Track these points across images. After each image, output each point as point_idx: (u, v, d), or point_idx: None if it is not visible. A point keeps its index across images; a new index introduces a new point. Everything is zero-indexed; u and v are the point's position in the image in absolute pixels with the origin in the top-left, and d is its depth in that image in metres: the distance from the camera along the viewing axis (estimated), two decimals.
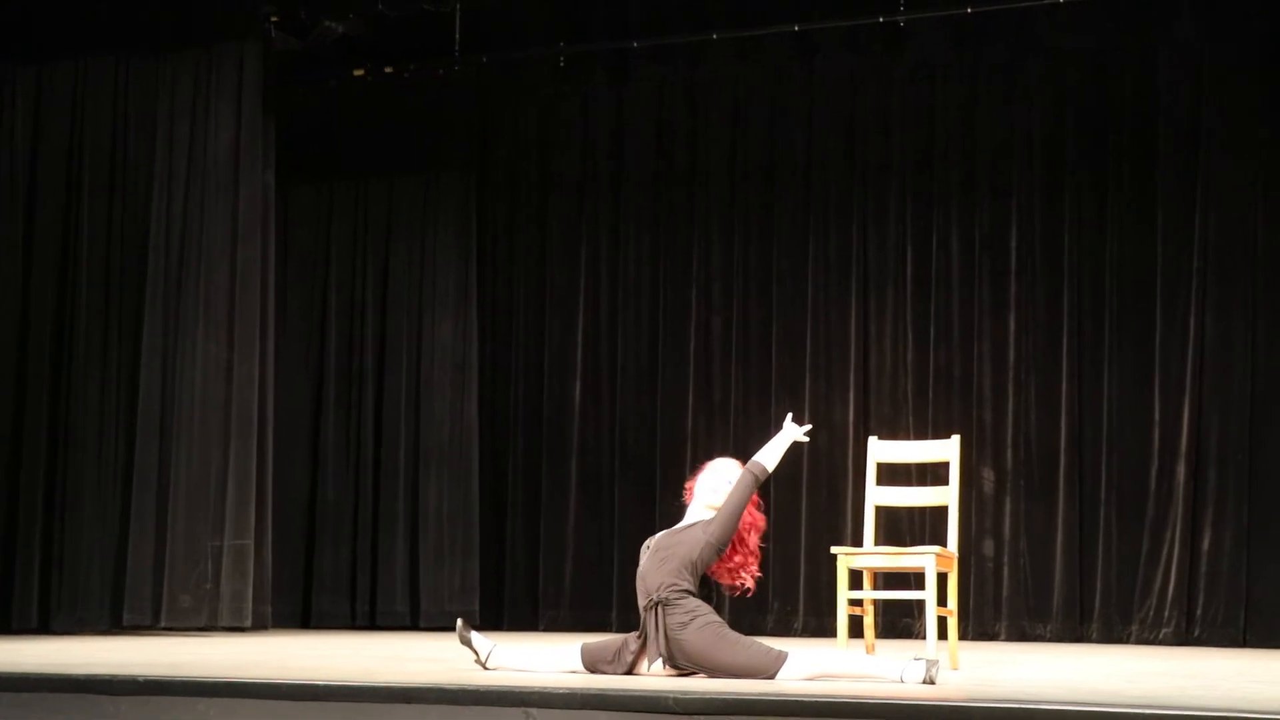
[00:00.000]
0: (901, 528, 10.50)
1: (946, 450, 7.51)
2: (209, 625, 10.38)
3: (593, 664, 6.27)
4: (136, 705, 5.56)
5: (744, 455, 6.49)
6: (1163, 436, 10.70)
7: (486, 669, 6.35)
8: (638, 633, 6.20)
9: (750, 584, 6.41)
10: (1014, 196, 11.22)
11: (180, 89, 11.04)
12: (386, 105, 12.40)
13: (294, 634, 10.91)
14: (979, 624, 10.85)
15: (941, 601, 7.15)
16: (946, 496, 7.41)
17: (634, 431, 11.99)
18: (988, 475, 11.04)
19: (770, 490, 11.03)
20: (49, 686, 5.77)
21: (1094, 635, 10.69)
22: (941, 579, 7.14)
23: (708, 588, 6.32)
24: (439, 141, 12.39)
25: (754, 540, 6.38)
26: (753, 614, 11.15)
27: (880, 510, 7.62)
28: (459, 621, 6.55)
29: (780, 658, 5.94)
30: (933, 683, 5.74)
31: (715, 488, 6.35)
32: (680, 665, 6.10)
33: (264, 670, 6.24)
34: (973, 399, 11.17)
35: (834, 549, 7.26)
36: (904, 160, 11.54)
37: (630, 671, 6.17)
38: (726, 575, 6.37)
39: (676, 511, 6.52)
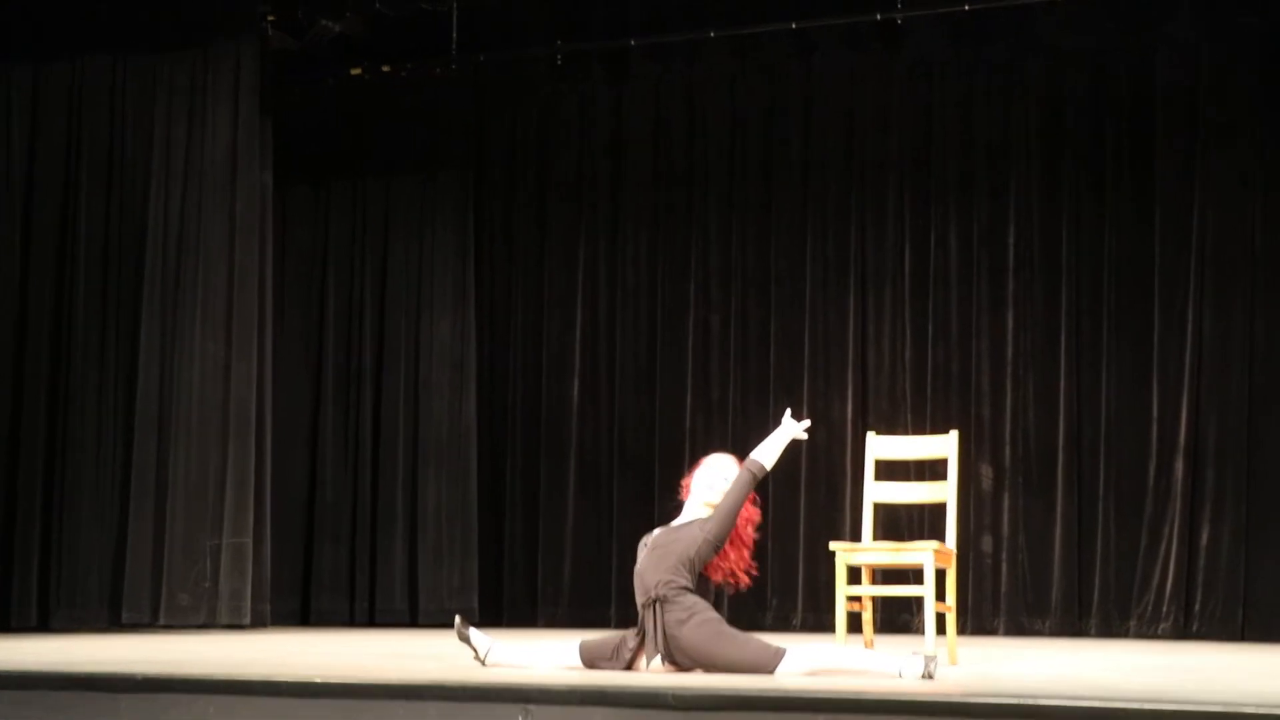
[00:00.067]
0: (900, 524, 10.50)
1: (945, 446, 7.52)
2: (208, 623, 10.38)
3: (591, 661, 6.27)
4: (136, 703, 5.56)
5: (742, 453, 6.49)
6: (1161, 433, 10.72)
7: (485, 666, 6.35)
8: (636, 629, 6.21)
9: (745, 580, 6.41)
10: (1012, 194, 11.23)
11: (177, 88, 11.04)
12: (384, 105, 12.40)
13: (293, 632, 10.91)
14: (977, 619, 10.86)
15: (940, 597, 7.16)
16: (945, 493, 7.43)
17: (632, 430, 12.00)
18: (986, 471, 11.05)
19: (769, 487, 11.03)
20: (48, 685, 5.77)
21: (1092, 630, 10.70)
22: (940, 575, 7.15)
23: (706, 584, 6.32)
24: (436, 141, 12.39)
25: (749, 534, 6.37)
26: (751, 610, 11.16)
27: (879, 506, 7.63)
28: (457, 619, 6.56)
29: (779, 653, 5.95)
30: (931, 678, 5.74)
31: (712, 485, 6.35)
32: (678, 662, 6.11)
33: (263, 668, 6.24)
34: (971, 395, 11.18)
35: (832, 545, 7.27)
36: (902, 158, 11.55)
37: (629, 668, 6.18)
38: (721, 572, 6.37)
39: (675, 509, 6.52)
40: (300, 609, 12.13)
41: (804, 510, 11.39)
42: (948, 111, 11.46)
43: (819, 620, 10.85)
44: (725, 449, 6.71)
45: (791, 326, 11.66)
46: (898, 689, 5.30)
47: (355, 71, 12.35)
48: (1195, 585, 10.52)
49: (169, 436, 10.66)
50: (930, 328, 11.34)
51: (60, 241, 11.04)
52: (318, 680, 5.49)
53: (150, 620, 10.47)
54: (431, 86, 12.30)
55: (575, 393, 12.15)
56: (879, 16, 11.07)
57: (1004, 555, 10.97)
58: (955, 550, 7.34)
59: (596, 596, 11.72)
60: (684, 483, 6.46)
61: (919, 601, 7.24)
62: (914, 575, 7.18)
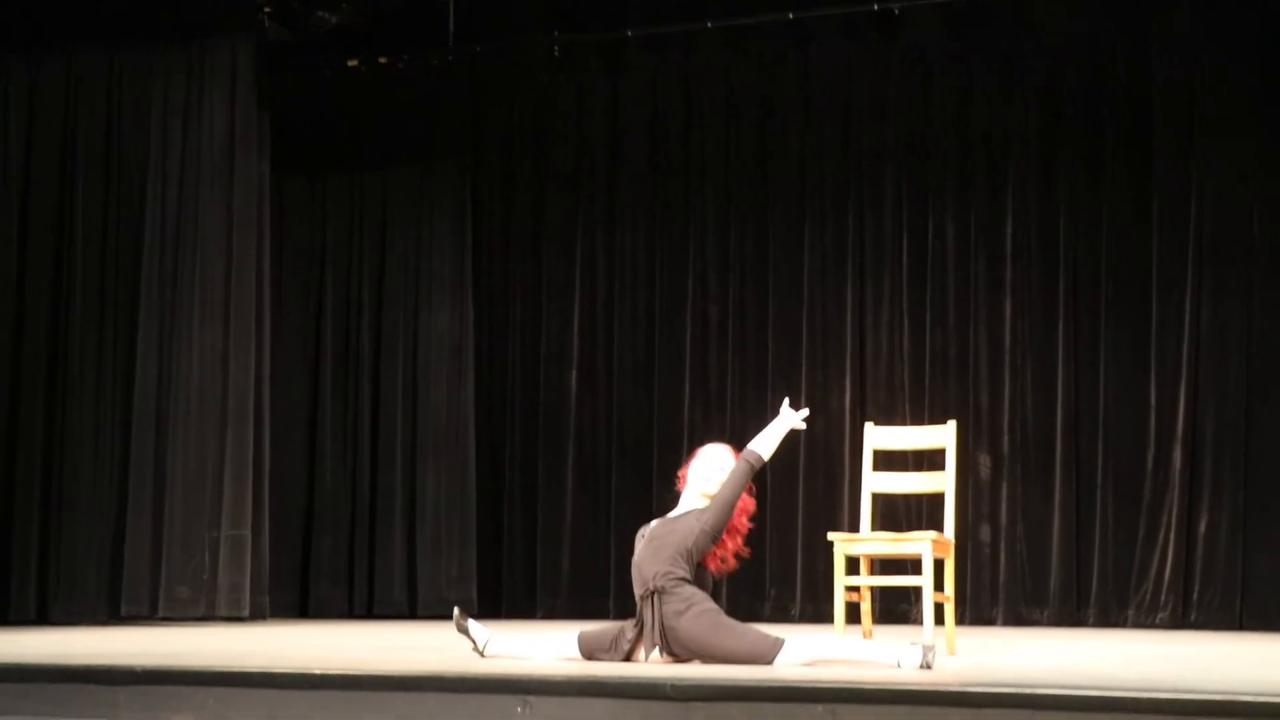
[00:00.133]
0: (898, 514, 10.51)
1: (943, 436, 7.52)
2: (207, 615, 10.38)
3: (590, 652, 6.28)
4: (135, 695, 5.57)
5: (741, 444, 6.49)
6: (1159, 421, 10.72)
7: (484, 657, 6.36)
8: (634, 620, 6.21)
9: (735, 564, 6.42)
10: (1009, 183, 11.22)
11: (174, 80, 11.03)
12: (381, 96, 12.38)
13: (292, 623, 10.92)
14: (976, 609, 10.86)
15: (938, 587, 7.16)
16: (943, 482, 7.42)
17: (631, 420, 12.00)
18: (984, 461, 11.05)
19: (767, 477, 11.04)
20: (47, 677, 5.78)
21: (1090, 620, 10.70)
22: (938, 565, 7.15)
23: (703, 574, 6.33)
24: (434, 132, 12.38)
25: (744, 524, 6.38)
26: (750, 600, 11.18)
27: (877, 496, 7.63)
28: (456, 610, 6.56)
29: (777, 644, 5.95)
30: (930, 668, 5.75)
31: (708, 476, 6.36)
32: (676, 653, 6.11)
33: (262, 660, 6.25)
34: (969, 385, 11.18)
35: (831, 535, 7.27)
36: (899, 148, 11.54)
37: (627, 659, 6.19)
38: (715, 560, 6.37)
39: (673, 500, 6.52)
40: (299, 601, 12.13)
41: (802, 500, 11.40)
42: (945, 101, 11.45)
43: (817, 610, 10.85)
44: (724, 439, 6.71)
45: (789, 317, 11.65)
46: (896, 679, 5.31)
47: (352, 63, 12.33)
48: (1193, 574, 10.52)
49: (167, 429, 10.66)
50: (928, 317, 11.33)
51: (58, 235, 11.03)
52: (317, 672, 5.50)
53: (149, 613, 10.48)
54: (428, 78, 12.29)
55: (574, 383, 12.15)
56: (876, 7, 11.05)
57: (1002, 545, 10.97)
58: (953, 540, 7.34)
59: (595, 587, 11.72)
60: (680, 473, 6.47)
61: (917, 591, 7.26)
62: (912, 565, 7.18)
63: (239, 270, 10.79)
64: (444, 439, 12.08)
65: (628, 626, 6.24)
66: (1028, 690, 4.79)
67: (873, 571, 7.50)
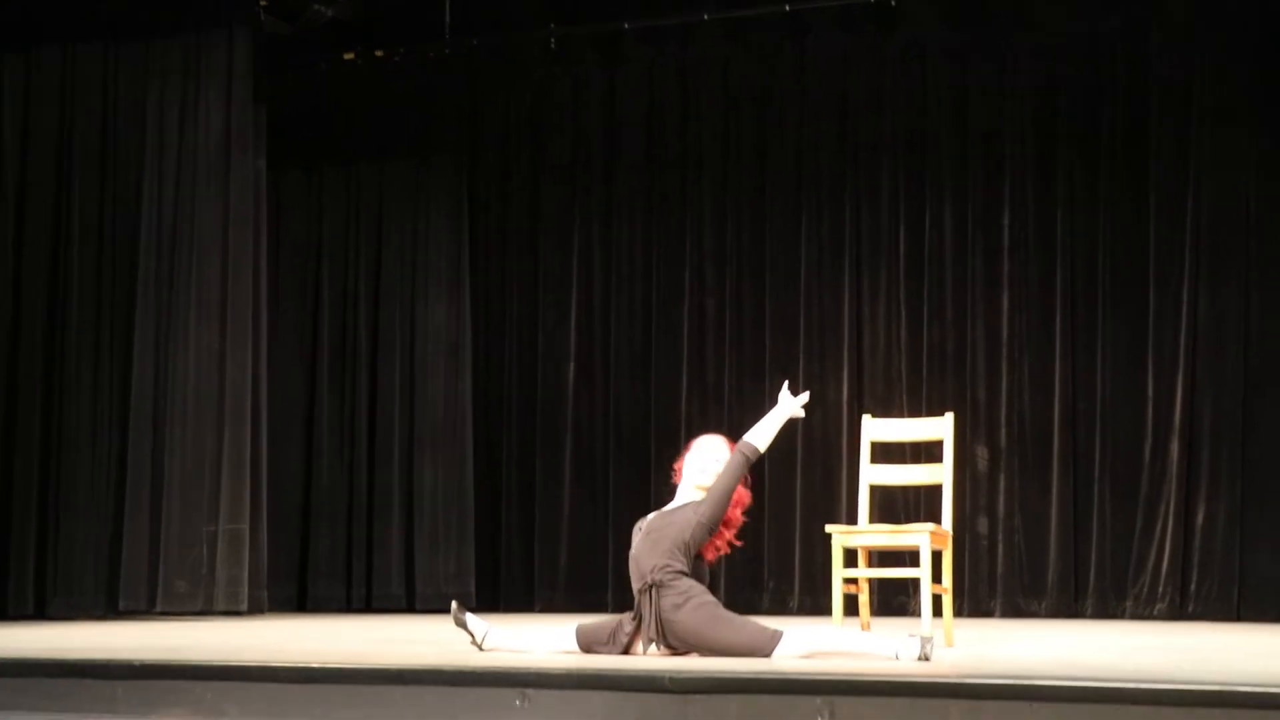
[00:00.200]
0: (896, 506, 10.51)
1: (940, 428, 7.52)
2: (205, 610, 10.39)
3: (588, 645, 6.28)
4: (133, 690, 5.57)
5: (738, 436, 6.48)
6: (1156, 413, 10.72)
7: (482, 651, 6.36)
8: (632, 614, 6.21)
9: (729, 551, 6.43)
10: (1007, 175, 11.21)
11: (170, 75, 11.02)
12: (377, 89, 12.37)
13: (290, 618, 10.92)
14: (974, 601, 10.87)
15: (936, 579, 7.16)
16: (941, 474, 7.42)
17: (628, 414, 12.00)
18: (982, 453, 11.06)
19: (765, 469, 11.03)
20: (46, 672, 5.78)
21: (1088, 611, 10.71)
22: (936, 557, 7.15)
23: (701, 566, 6.33)
24: (430, 125, 12.37)
25: (737, 516, 6.37)
26: (748, 593, 11.18)
27: (875, 489, 7.63)
28: (454, 604, 6.56)
29: (775, 636, 5.95)
30: (928, 660, 5.75)
31: (703, 468, 6.35)
32: (674, 646, 6.11)
33: (261, 654, 6.25)
34: (966, 377, 11.18)
35: (829, 528, 7.27)
36: (896, 140, 11.53)
37: (625, 652, 6.19)
38: (711, 550, 6.37)
39: (670, 493, 6.52)
40: (297, 595, 12.13)
41: (800, 493, 11.40)
42: (942, 93, 11.44)
43: (816, 603, 10.86)
44: (721, 432, 6.70)
45: (786, 309, 11.65)
46: (894, 671, 5.31)
47: (348, 56, 12.33)
48: (1191, 566, 10.53)
49: (165, 424, 10.66)
50: (925, 310, 11.33)
51: (54, 230, 11.03)
52: (315, 666, 5.50)
53: (147, 607, 10.48)
54: (424, 71, 12.28)
55: (571, 377, 12.14)
56: None
57: (1000, 537, 10.98)
58: (951, 532, 7.34)
59: (593, 581, 11.72)
60: (676, 466, 6.46)
61: (915, 583, 7.25)
62: (910, 557, 7.18)
63: (235, 266, 10.78)
64: (441, 433, 12.07)
65: (625, 619, 6.24)
66: (1026, 682, 4.79)
67: (871, 564, 7.50)
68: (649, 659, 6.02)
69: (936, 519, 7.38)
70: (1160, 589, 10.54)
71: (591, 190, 12.24)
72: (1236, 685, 4.60)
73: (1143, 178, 10.91)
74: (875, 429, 7.67)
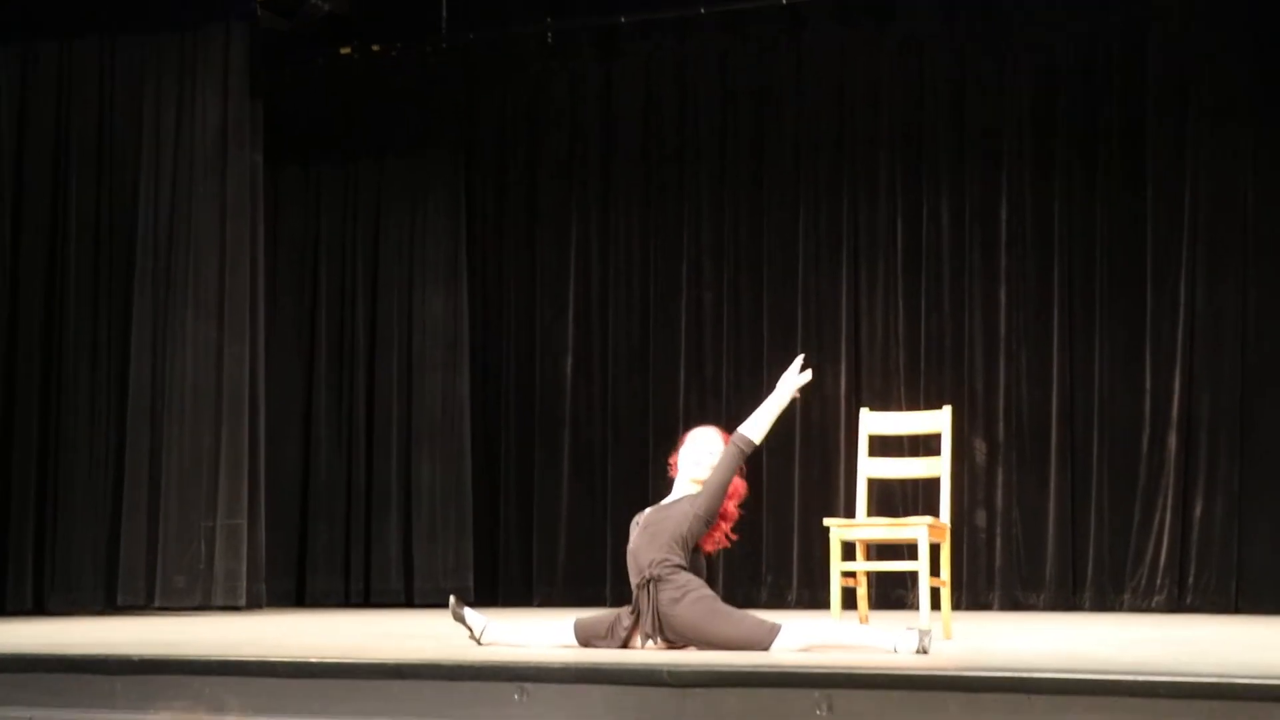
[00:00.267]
0: (894, 499, 10.52)
1: (938, 421, 7.53)
2: (203, 605, 10.39)
3: (586, 639, 6.28)
4: (131, 685, 5.57)
5: (736, 427, 6.47)
6: (1154, 406, 10.73)
7: (480, 645, 6.36)
8: (630, 608, 6.21)
9: (727, 544, 6.42)
10: (1004, 169, 11.21)
11: (166, 70, 11.02)
12: (374, 84, 12.36)
13: (288, 612, 10.92)
14: (972, 594, 10.88)
15: (934, 572, 7.17)
16: (938, 468, 7.43)
17: (626, 407, 11.99)
18: (979, 446, 11.06)
19: (762, 462, 11.04)
20: (44, 667, 5.77)
21: (1086, 604, 10.72)
22: (934, 550, 7.15)
23: (699, 559, 6.32)
24: (427, 120, 12.36)
25: (733, 508, 6.36)
26: (746, 586, 11.19)
27: (872, 482, 7.63)
28: (452, 598, 6.56)
29: (774, 630, 5.95)
30: (926, 652, 5.75)
31: (698, 461, 6.33)
32: (673, 640, 6.11)
33: (259, 648, 6.25)
34: (964, 370, 11.19)
35: (827, 521, 7.28)
36: (893, 133, 11.52)
37: (624, 646, 6.18)
38: (709, 542, 6.37)
39: (667, 486, 6.52)
40: (295, 590, 12.13)
41: (798, 486, 11.40)
42: (939, 87, 11.44)
43: (814, 596, 10.86)
44: (719, 425, 6.68)
45: (784, 303, 11.65)
46: (893, 664, 5.31)
47: (345, 51, 12.32)
48: (1189, 558, 10.55)
49: (162, 419, 10.66)
50: (923, 302, 11.33)
51: (51, 225, 11.02)
52: (314, 660, 5.50)
53: (145, 602, 10.48)
54: (421, 65, 12.28)
55: (568, 371, 12.14)
56: None
57: (998, 530, 10.98)
58: (949, 525, 7.35)
59: (591, 575, 11.72)
60: (671, 460, 6.45)
61: (913, 577, 7.27)
62: (908, 550, 7.18)
63: (232, 261, 10.78)
64: (439, 428, 12.07)
65: (624, 614, 6.24)
66: (1024, 674, 4.79)
67: (869, 557, 7.51)
68: (647, 653, 6.01)
69: (934, 512, 7.39)
70: (1158, 581, 10.55)
71: (589, 184, 12.24)
72: (1235, 677, 4.60)
73: (1140, 172, 10.91)
74: (873, 422, 7.67)
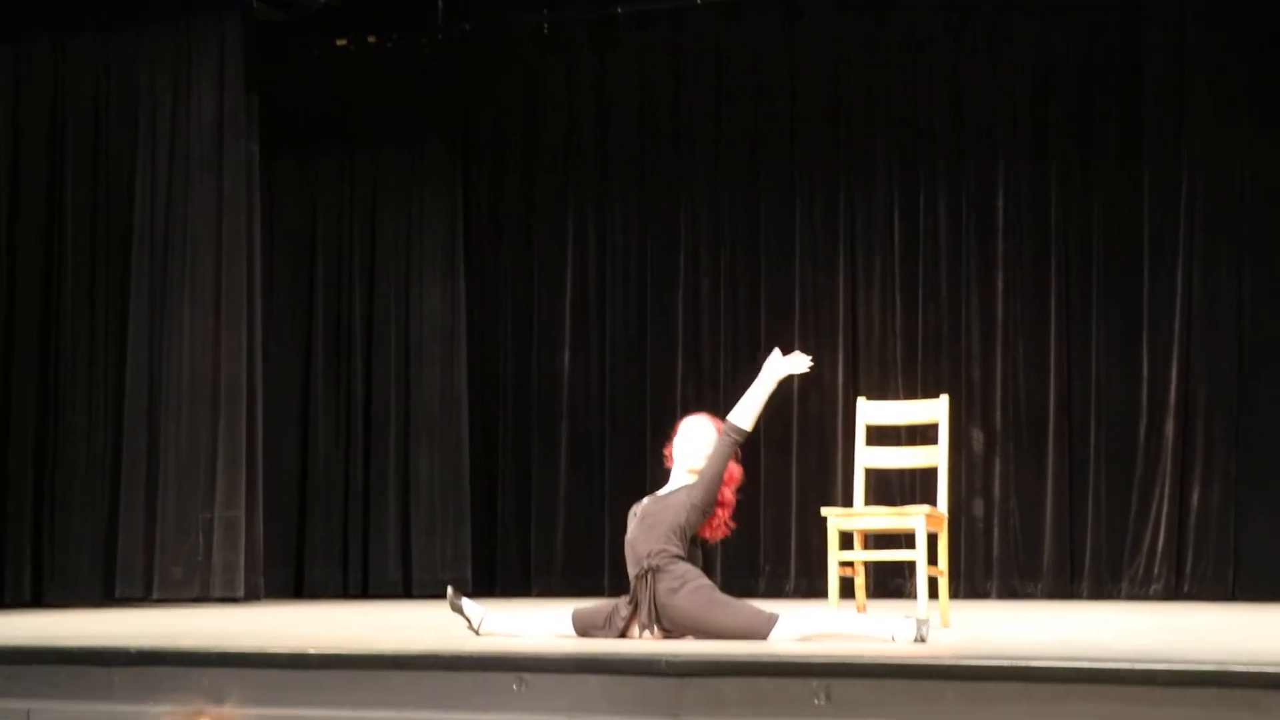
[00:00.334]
0: (891, 488, 10.52)
1: (935, 411, 7.53)
2: (201, 596, 10.39)
3: (584, 629, 6.28)
4: (130, 676, 5.57)
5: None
6: (1151, 394, 10.73)
7: (479, 636, 6.36)
8: (628, 598, 6.21)
9: (725, 533, 6.42)
10: (1000, 156, 11.21)
11: (161, 62, 11.00)
12: (370, 75, 12.34)
13: (286, 604, 10.92)
14: (970, 583, 10.88)
15: (932, 561, 7.17)
16: (936, 457, 7.43)
17: (623, 398, 11.99)
18: (977, 435, 11.06)
19: (760, 452, 11.04)
20: (42, 659, 5.78)
21: (1084, 592, 10.72)
22: (932, 539, 7.15)
23: (697, 549, 6.33)
24: (423, 111, 12.34)
25: (730, 495, 6.36)
26: (744, 576, 11.18)
27: (870, 471, 7.64)
28: (450, 589, 6.56)
29: (772, 619, 5.96)
30: (924, 641, 5.76)
31: (691, 451, 6.34)
32: (671, 630, 6.12)
33: (257, 640, 6.25)
34: (961, 359, 11.19)
35: (824, 511, 7.28)
36: (890, 122, 11.51)
37: (622, 636, 6.19)
38: (708, 529, 6.37)
39: (665, 476, 6.52)
40: (293, 581, 12.12)
41: (795, 476, 11.40)
42: (935, 76, 11.43)
43: (812, 586, 10.86)
44: (717, 415, 6.67)
45: (781, 292, 11.64)
46: (891, 652, 5.31)
47: (341, 43, 12.29)
48: (1186, 546, 10.55)
49: (160, 411, 10.66)
50: (920, 291, 11.32)
51: (47, 218, 11.01)
52: (312, 652, 5.50)
53: (143, 594, 10.48)
54: (417, 57, 12.25)
55: (566, 362, 12.13)
56: None
57: (995, 519, 10.99)
58: (947, 514, 7.35)
59: (589, 565, 11.72)
60: (666, 451, 6.45)
61: (911, 566, 7.26)
62: (906, 540, 7.18)
63: (229, 253, 10.77)
64: (437, 419, 12.07)
65: (622, 604, 6.24)
66: (1022, 663, 4.80)
67: (866, 546, 7.50)
68: (645, 642, 6.02)
69: (932, 501, 7.39)
70: (1156, 569, 10.56)
71: (585, 176, 12.23)
72: (1232, 665, 4.61)
73: (1136, 159, 10.91)
74: (870, 412, 7.67)
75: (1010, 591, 10.87)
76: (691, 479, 6.31)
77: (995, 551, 10.97)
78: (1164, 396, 10.68)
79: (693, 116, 11.99)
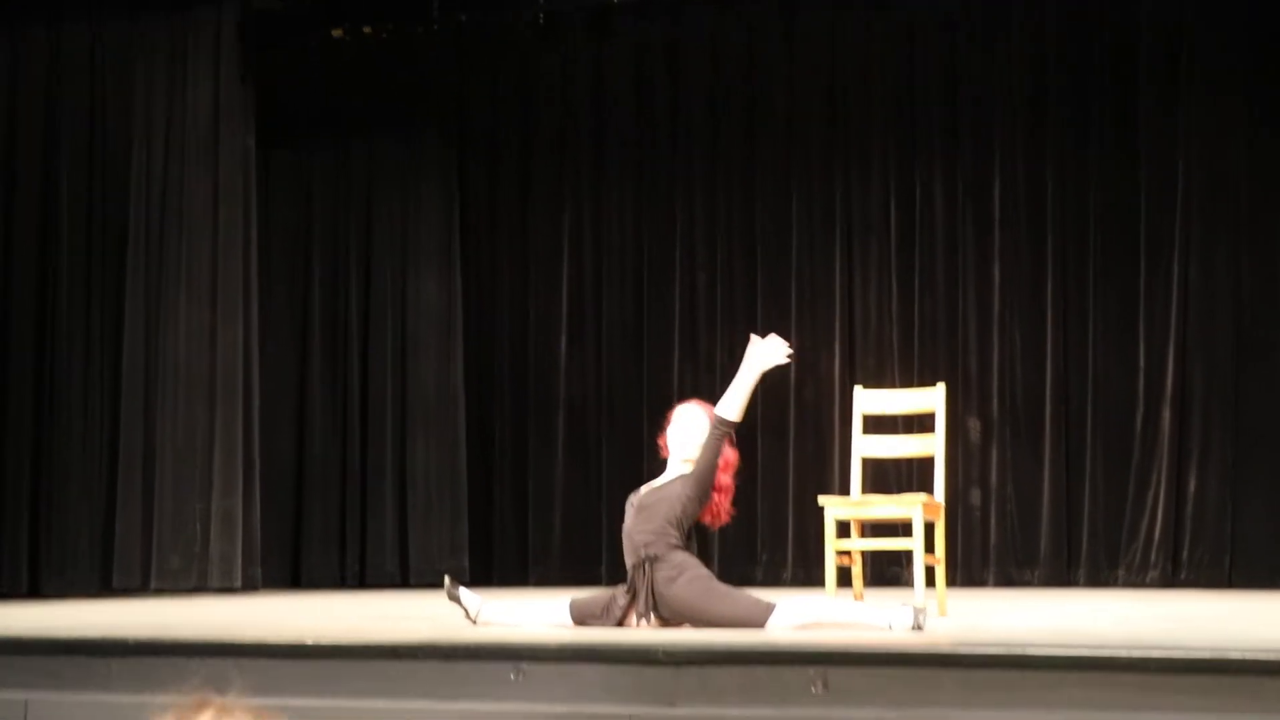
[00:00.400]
0: (888, 477, 10.51)
1: (932, 399, 7.53)
2: (198, 587, 10.39)
3: (582, 618, 6.28)
4: (127, 667, 5.57)
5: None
6: (1147, 381, 10.74)
7: (476, 625, 6.36)
8: (626, 587, 6.22)
9: (725, 519, 6.41)
10: (997, 147, 11.21)
11: (157, 53, 10.97)
12: (366, 66, 12.31)
13: (284, 594, 10.92)
14: (967, 571, 10.89)
15: (929, 550, 7.17)
16: (933, 446, 7.44)
17: (620, 388, 11.99)
18: (974, 424, 11.07)
19: (757, 441, 11.05)
20: (40, 650, 5.78)
21: (1081, 580, 10.73)
22: (929, 527, 7.16)
23: (693, 539, 6.33)
24: (419, 102, 12.32)
25: (727, 481, 6.34)
26: (742, 565, 11.18)
27: (867, 460, 7.64)
28: (447, 579, 6.56)
29: (769, 608, 5.96)
30: (921, 629, 5.76)
31: (685, 440, 6.33)
32: (668, 619, 6.12)
33: (255, 630, 6.25)
34: (958, 348, 11.20)
35: (821, 499, 7.28)
36: (886, 112, 11.51)
37: (619, 625, 6.19)
38: (708, 516, 6.37)
39: (661, 465, 6.52)
40: (291, 572, 12.12)
41: (792, 464, 11.40)
42: (931, 65, 11.43)
43: (809, 574, 10.87)
44: (714, 403, 6.67)
45: (777, 282, 11.65)
46: (888, 641, 5.32)
47: (336, 33, 12.27)
48: (1183, 534, 10.56)
49: (156, 402, 10.65)
50: (916, 280, 11.33)
51: (42, 211, 10.98)
52: (309, 642, 5.50)
53: (141, 584, 10.48)
54: (413, 47, 12.23)
55: (563, 352, 12.13)
56: None
57: (992, 507, 11.00)
58: (944, 503, 7.36)
59: (587, 555, 11.73)
60: (661, 440, 6.45)
61: (908, 554, 7.26)
62: (903, 528, 7.20)
63: (225, 242, 10.76)
64: (434, 410, 12.06)
65: (619, 593, 6.24)
66: (1019, 651, 4.80)
67: (863, 535, 7.52)
68: (642, 631, 6.02)
69: (929, 490, 7.40)
70: (1152, 557, 10.57)
71: (581, 165, 12.22)
72: (1229, 651, 4.62)
73: (1133, 149, 10.91)
74: (867, 400, 7.67)
75: (1007, 580, 10.88)
76: (687, 468, 6.31)
77: (992, 540, 10.98)
78: (1160, 385, 10.68)
79: (689, 107, 11.98)
